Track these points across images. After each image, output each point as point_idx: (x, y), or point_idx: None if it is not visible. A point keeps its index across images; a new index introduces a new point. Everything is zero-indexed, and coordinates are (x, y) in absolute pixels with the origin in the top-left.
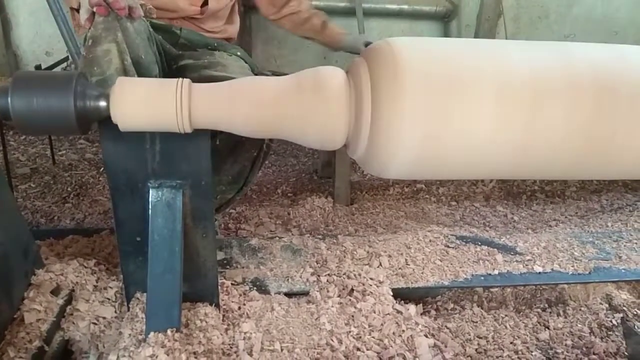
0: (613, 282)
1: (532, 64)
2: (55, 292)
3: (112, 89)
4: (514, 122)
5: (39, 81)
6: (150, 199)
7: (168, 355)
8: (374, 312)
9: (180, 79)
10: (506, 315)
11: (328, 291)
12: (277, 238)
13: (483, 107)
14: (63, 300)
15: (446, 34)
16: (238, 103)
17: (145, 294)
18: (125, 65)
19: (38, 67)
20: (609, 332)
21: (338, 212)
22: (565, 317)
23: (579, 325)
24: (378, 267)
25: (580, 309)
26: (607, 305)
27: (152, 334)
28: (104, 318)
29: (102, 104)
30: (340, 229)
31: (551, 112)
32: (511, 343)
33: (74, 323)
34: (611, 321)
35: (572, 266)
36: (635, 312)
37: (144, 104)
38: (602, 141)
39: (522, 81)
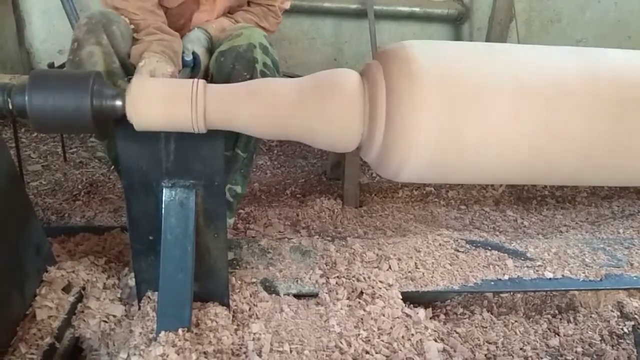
0: (624, 289)
1: (550, 69)
2: (66, 289)
3: (128, 88)
4: (530, 127)
5: (56, 80)
6: (163, 198)
7: (178, 354)
8: (383, 316)
9: (196, 79)
10: (516, 321)
11: (337, 293)
12: (286, 239)
13: (498, 112)
14: (74, 297)
15: (458, 36)
16: (253, 104)
17: (156, 292)
18: (113, 68)
19: (51, 65)
20: (620, 340)
21: (347, 214)
22: (576, 324)
23: (590, 332)
24: (387, 270)
25: (590, 316)
26: (618, 313)
27: (162, 333)
28: (114, 316)
29: (118, 103)
30: (349, 231)
31: (570, 118)
32: (521, 349)
33: (84, 320)
34: (622, 329)
35: (583, 273)
36: None
37: (159, 103)
38: (621, 147)
39: (539, 86)
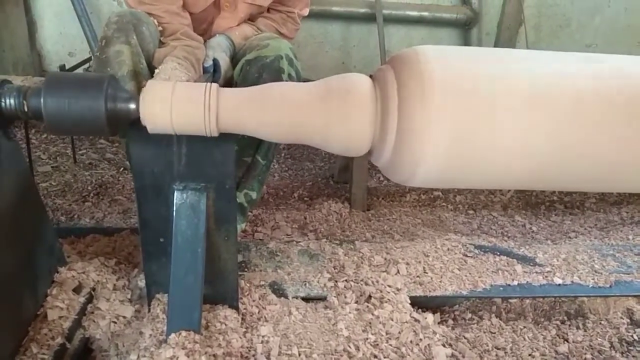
0: (634, 296)
1: (563, 77)
2: (77, 290)
3: (142, 91)
4: (542, 133)
5: (71, 83)
6: (174, 201)
7: (188, 357)
8: (392, 320)
9: (209, 83)
10: (525, 327)
11: (345, 297)
12: (294, 242)
13: (511, 119)
14: (84, 298)
15: (466, 41)
16: (265, 108)
17: (166, 294)
18: (140, 68)
19: (62, 68)
20: (629, 347)
21: (354, 217)
22: (585, 331)
23: (599, 339)
24: (396, 274)
25: (600, 323)
26: (628, 320)
27: (172, 335)
28: (124, 317)
29: (132, 106)
30: (356, 234)
31: (581, 126)
32: (530, 355)
33: (94, 321)
34: (632, 336)
35: (593, 279)
36: None
37: (172, 106)
38: (633, 155)
39: (551, 94)
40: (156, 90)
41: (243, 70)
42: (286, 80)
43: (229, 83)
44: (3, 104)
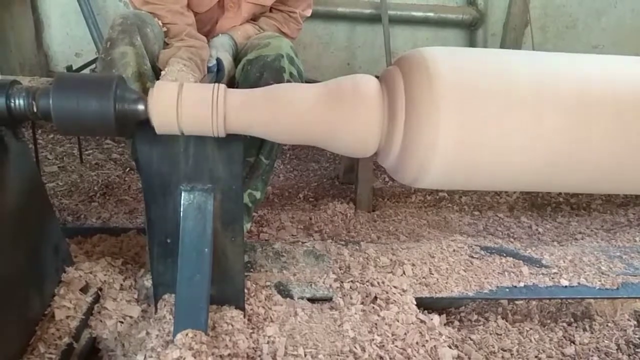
0: None
1: (571, 78)
2: (84, 289)
3: (150, 92)
4: (549, 136)
5: (80, 83)
6: (181, 202)
7: (195, 357)
8: (398, 321)
9: (217, 84)
10: (531, 329)
11: (351, 298)
12: (299, 243)
13: (518, 121)
14: (91, 298)
15: (472, 42)
16: (272, 109)
17: (173, 295)
18: (144, 69)
19: (69, 68)
20: (636, 350)
21: (360, 218)
22: (592, 333)
23: (606, 341)
24: (402, 275)
25: (607, 325)
26: (635, 322)
27: (179, 335)
28: (130, 317)
29: (140, 107)
30: (362, 235)
31: (589, 127)
32: (536, 357)
33: (101, 321)
34: (639, 338)
35: (599, 281)
36: None
37: (180, 107)
38: None
39: (559, 95)
40: (164, 91)
41: (244, 70)
42: (287, 79)
43: (231, 82)
44: (12, 104)
